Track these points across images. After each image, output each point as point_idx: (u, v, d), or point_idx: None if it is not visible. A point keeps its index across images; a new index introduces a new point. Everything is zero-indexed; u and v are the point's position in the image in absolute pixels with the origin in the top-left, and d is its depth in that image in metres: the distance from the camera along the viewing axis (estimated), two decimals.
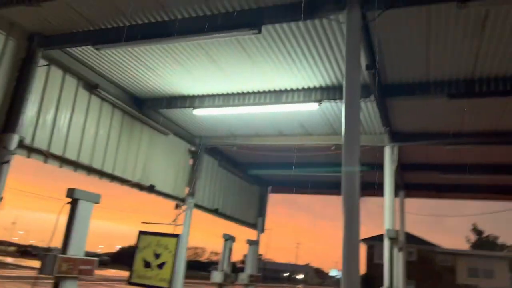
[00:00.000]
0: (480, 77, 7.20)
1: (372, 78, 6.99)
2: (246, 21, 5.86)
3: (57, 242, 6.03)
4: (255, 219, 17.06)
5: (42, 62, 7.39)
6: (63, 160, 8.14)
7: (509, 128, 9.11)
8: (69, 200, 7.35)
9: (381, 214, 10.02)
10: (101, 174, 9.16)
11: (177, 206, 12.27)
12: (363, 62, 6.33)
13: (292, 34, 6.44)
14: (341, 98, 8.16)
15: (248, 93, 8.95)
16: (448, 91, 7.48)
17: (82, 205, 7.40)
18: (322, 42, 6.63)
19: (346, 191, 4.71)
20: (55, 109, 7.93)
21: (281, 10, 5.72)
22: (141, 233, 12.09)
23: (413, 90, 7.74)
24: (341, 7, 5.32)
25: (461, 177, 12.85)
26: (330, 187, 16.11)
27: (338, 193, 15.69)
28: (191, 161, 12.58)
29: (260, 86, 8.60)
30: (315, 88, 8.40)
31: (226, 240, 11.62)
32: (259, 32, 5.84)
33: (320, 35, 6.43)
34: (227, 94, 9.15)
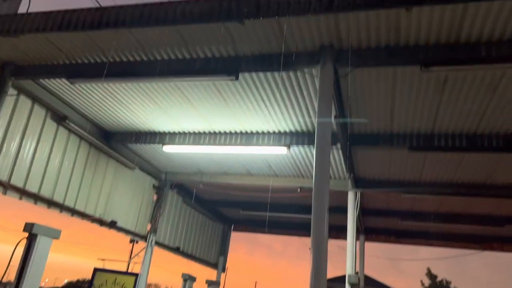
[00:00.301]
0: (439, 132, 7.72)
1: (340, 128, 7.33)
2: (224, 67, 6.08)
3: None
4: (217, 258, 16.76)
5: (11, 91, 7.24)
6: (23, 192, 7.82)
7: (463, 181, 9.69)
8: (26, 234, 7.02)
9: (338, 255, 10.23)
10: (62, 207, 8.83)
11: (132, 241, 11.93)
12: (332, 112, 6.65)
13: (267, 82, 6.70)
14: (309, 144, 8.47)
15: (219, 133, 9.08)
16: (409, 143, 7.93)
17: (40, 241, 7.08)
18: (294, 91, 6.93)
19: (315, 234, 4.85)
20: (20, 140, 7.70)
21: (258, 60, 5.97)
22: (97, 270, 11.56)
23: (377, 141, 8.15)
24: (315, 61, 5.66)
25: (419, 224, 13.38)
26: (293, 228, 16.24)
27: (300, 234, 15.81)
28: (155, 197, 12.37)
29: (232, 127, 8.76)
30: (285, 133, 8.66)
31: (185, 280, 11.32)
32: (237, 78, 6.06)
33: (294, 85, 6.72)
34: (199, 133, 9.23)
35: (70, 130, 8.89)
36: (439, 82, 6.08)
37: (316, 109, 5.63)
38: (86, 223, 9.82)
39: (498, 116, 6.81)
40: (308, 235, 4.91)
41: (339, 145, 8.21)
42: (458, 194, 10.23)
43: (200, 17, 5.22)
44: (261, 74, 6.48)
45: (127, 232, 11.17)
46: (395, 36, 5.20)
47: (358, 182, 10.51)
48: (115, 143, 9.89)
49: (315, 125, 5.61)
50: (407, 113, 7.16)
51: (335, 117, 6.84)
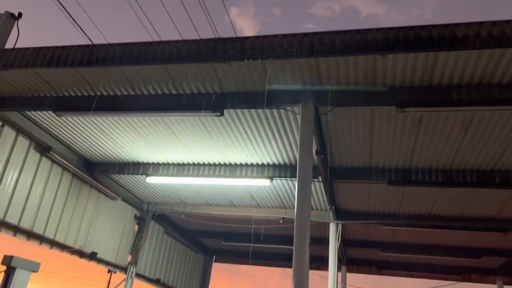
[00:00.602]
0: (416, 167, 8.01)
1: (321, 162, 7.54)
2: (210, 103, 6.25)
3: None
4: None
5: None
6: (2, 224, 7.70)
7: (441, 213, 9.97)
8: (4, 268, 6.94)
9: (320, 285, 10.25)
10: (41, 239, 8.69)
11: (109, 271, 11.70)
12: (314, 147, 6.87)
13: (251, 118, 6.91)
14: (291, 177, 8.65)
15: (203, 164, 9.19)
16: (388, 178, 8.19)
17: (19, 274, 6.98)
18: (277, 127, 7.15)
19: (297, 265, 4.94)
20: (2, 171, 7.65)
21: (243, 97, 6.19)
22: None
23: (357, 175, 8.40)
24: (297, 100, 5.91)
25: (399, 255, 13.56)
26: (275, 259, 16.18)
27: (282, 265, 15.73)
28: (136, 227, 12.25)
29: (216, 158, 8.89)
30: (268, 165, 8.83)
31: None
32: (222, 114, 6.25)
33: (276, 121, 6.95)
34: (183, 164, 9.31)
35: (53, 161, 8.87)
36: (414, 121, 6.39)
37: (298, 144, 5.84)
38: (62, 253, 9.64)
39: (471, 153, 7.14)
40: (290, 266, 5.00)
41: (320, 179, 8.40)
42: (436, 226, 10.49)
43: (187, 57, 5.43)
44: (245, 111, 6.69)
45: (107, 263, 10.98)
46: (372, 78, 5.50)
47: (339, 214, 10.70)
48: (98, 173, 9.87)
49: (297, 159, 5.80)
50: (385, 149, 7.44)
51: (316, 151, 7.06)
